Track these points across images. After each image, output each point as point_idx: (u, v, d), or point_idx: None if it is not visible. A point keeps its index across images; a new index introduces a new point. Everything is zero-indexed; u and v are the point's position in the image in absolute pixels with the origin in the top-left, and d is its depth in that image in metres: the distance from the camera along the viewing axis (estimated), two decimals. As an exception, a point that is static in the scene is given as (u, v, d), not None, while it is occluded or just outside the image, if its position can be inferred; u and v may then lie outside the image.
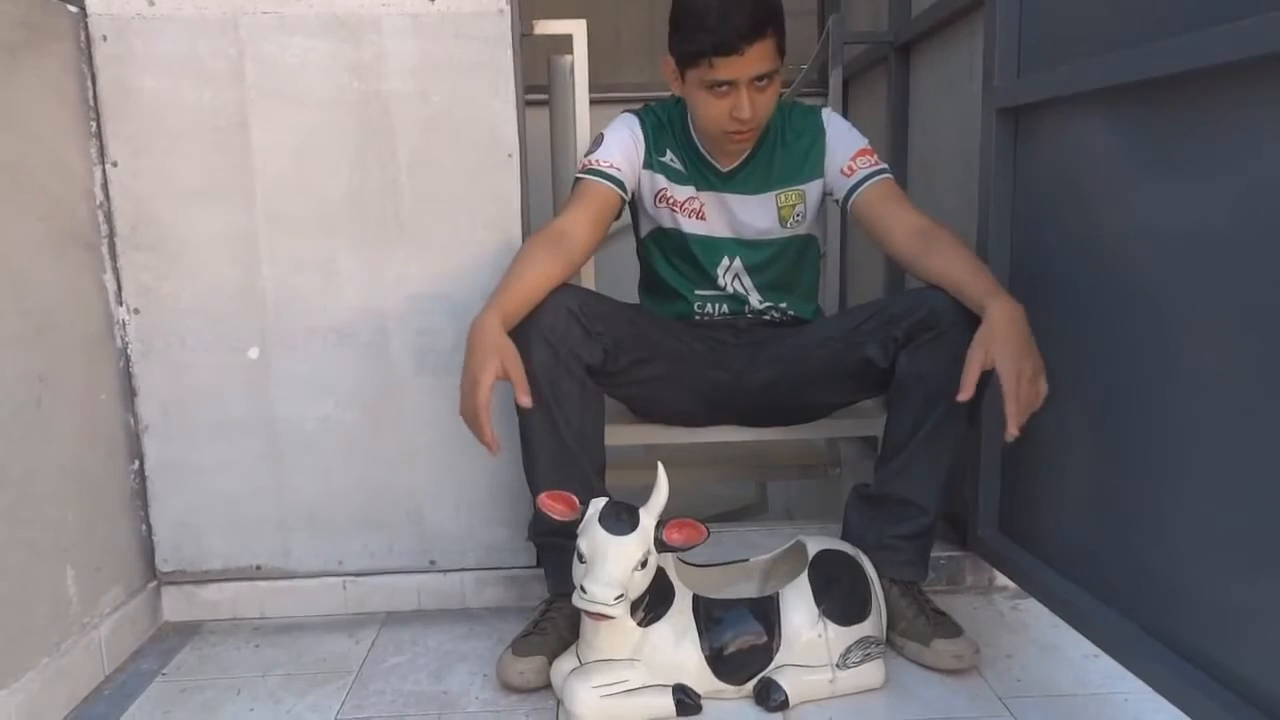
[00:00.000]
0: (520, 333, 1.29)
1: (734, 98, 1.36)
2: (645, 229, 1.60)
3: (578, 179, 1.47)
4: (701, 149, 1.50)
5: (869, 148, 1.50)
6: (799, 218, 1.54)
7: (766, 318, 1.59)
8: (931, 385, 1.31)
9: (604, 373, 1.37)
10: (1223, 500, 0.98)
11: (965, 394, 1.18)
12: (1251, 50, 0.87)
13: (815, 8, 3.12)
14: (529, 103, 1.51)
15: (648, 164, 1.51)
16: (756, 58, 1.33)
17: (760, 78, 1.35)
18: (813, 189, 1.53)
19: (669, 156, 1.51)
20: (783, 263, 1.57)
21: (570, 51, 1.72)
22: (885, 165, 1.49)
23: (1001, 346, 1.17)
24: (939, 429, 1.32)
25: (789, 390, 1.52)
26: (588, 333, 1.32)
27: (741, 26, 1.31)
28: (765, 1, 1.33)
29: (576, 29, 1.71)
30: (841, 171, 1.49)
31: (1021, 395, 1.15)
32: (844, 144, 1.50)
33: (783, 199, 1.52)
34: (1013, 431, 1.16)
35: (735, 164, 1.50)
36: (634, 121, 1.51)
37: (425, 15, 1.43)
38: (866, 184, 1.46)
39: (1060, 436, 1.30)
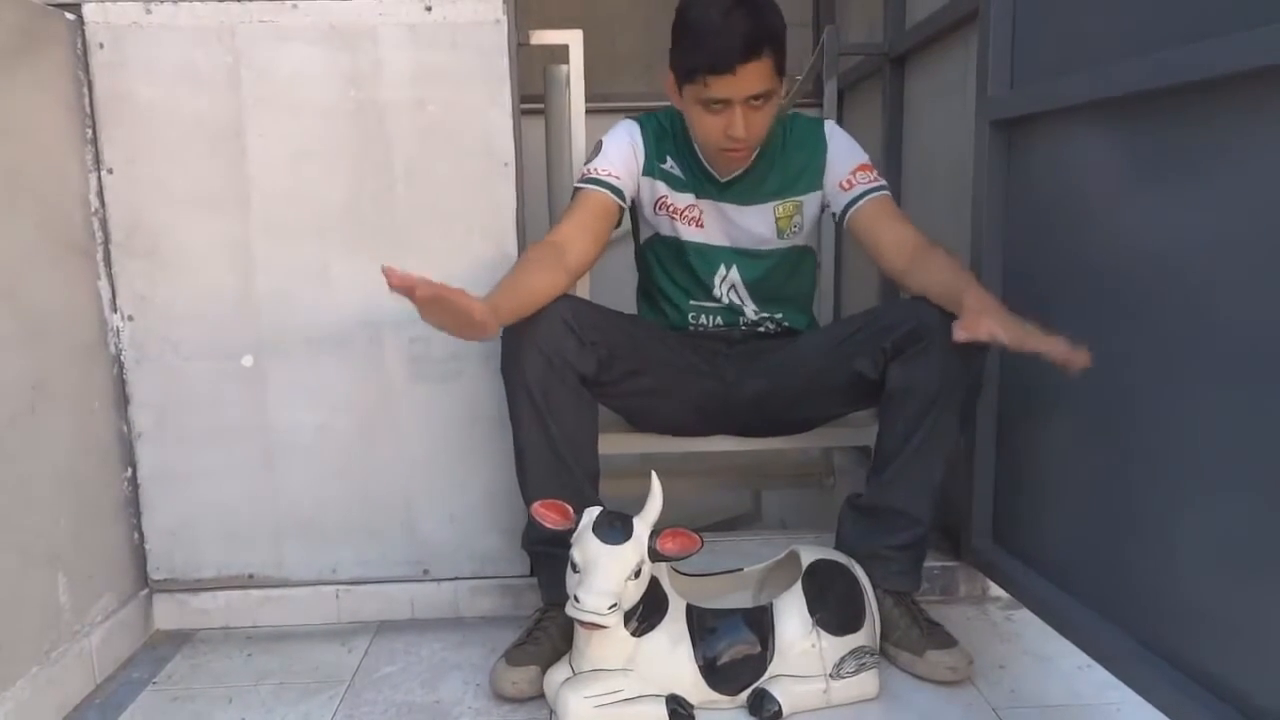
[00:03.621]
0: (515, 342, 1.29)
1: (729, 116, 1.36)
2: (644, 236, 1.60)
3: (577, 188, 1.47)
4: (701, 158, 1.51)
5: (869, 163, 1.50)
6: (796, 228, 1.54)
7: (761, 329, 1.59)
8: (922, 396, 1.31)
9: (598, 382, 1.37)
10: (1215, 511, 0.98)
11: (959, 335, 1.13)
12: (1243, 64, 0.88)
13: (810, 19, 3.13)
14: (525, 112, 1.51)
15: (648, 171, 1.51)
16: (751, 78, 1.32)
17: (756, 97, 1.35)
18: (811, 201, 1.53)
19: (669, 164, 1.52)
20: (779, 274, 1.57)
21: (566, 61, 1.73)
22: (884, 182, 1.49)
23: (988, 316, 1.12)
24: (930, 439, 1.33)
25: (781, 402, 1.52)
26: (582, 342, 1.32)
27: (736, 47, 1.30)
28: (763, 22, 1.32)
29: (573, 39, 1.71)
30: (840, 185, 1.49)
31: (1026, 335, 1.11)
32: (844, 158, 1.50)
33: (780, 209, 1.52)
34: (1075, 361, 1.09)
35: (733, 174, 1.50)
36: (634, 129, 1.52)
37: (422, 25, 1.44)
38: (864, 200, 1.47)
39: (1053, 448, 1.30)
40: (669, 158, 1.52)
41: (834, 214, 1.52)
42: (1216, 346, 0.97)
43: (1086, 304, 1.20)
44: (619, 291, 1.77)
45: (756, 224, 1.53)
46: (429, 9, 1.43)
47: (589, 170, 1.47)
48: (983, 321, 1.12)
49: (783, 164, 1.51)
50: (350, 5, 1.42)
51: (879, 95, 2.30)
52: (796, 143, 1.52)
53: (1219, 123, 0.95)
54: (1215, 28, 0.92)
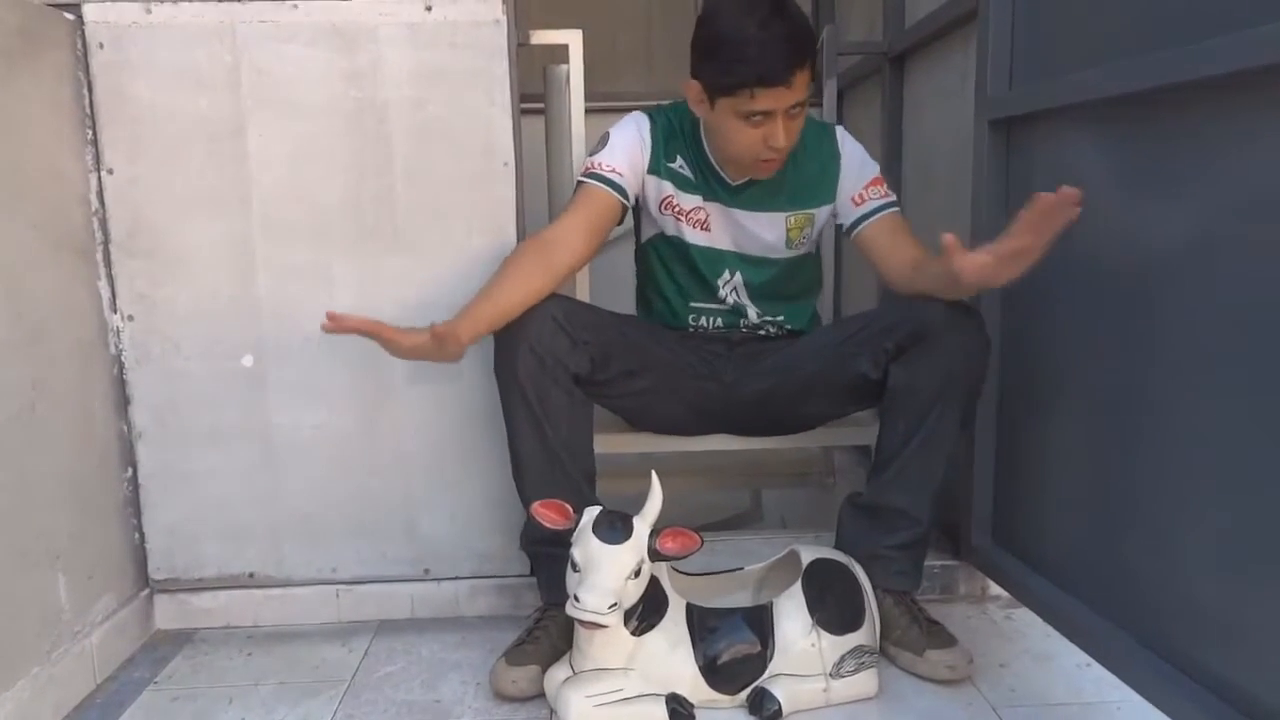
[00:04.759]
0: (507, 343, 1.29)
1: (769, 127, 1.34)
2: (647, 233, 1.58)
3: (580, 182, 1.46)
4: (712, 160, 1.48)
5: (880, 177, 1.50)
6: (805, 239, 1.53)
7: (762, 332, 1.59)
8: (923, 396, 1.31)
9: (592, 382, 1.37)
10: (1214, 509, 0.98)
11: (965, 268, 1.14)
12: (1241, 63, 0.88)
13: (810, 18, 3.13)
14: (525, 111, 1.51)
15: (654, 169, 1.49)
16: (799, 87, 1.32)
17: (796, 105, 1.34)
18: (823, 213, 1.52)
19: (679, 163, 1.49)
20: (784, 279, 1.56)
21: (566, 61, 1.73)
22: (894, 196, 1.49)
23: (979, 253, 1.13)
24: (931, 439, 1.33)
25: (782, 402, 1.52)
26: (574, 342, 1.32)
27: (786, 57, 1.28)
28: (802, 30, 1.31)
29: (573, 39, 1.71)
30: (852, 199, 1.48)
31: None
32: (858, 171, 1.49)
33: (793, 220, 1.51)
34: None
35: (744, 179, 1.48)
36: (645, 124, 1.49)
37: (422, 24, 1.44)
38: (876, 216, 1.46)
39: (1053, 446, 1.30)
40: (679, 156, 1.49)
41: (841, 225, 1.51)
42: (1215, 345, 0.97)
43: (1085, 303, 1.20)
44: (618, 290, 1.76)
45: (766, 231, 1.51)
46: (429, 9, 1.43)
47: (593, 164, 1.45)
48: (971, 254, 1.13)
49: (795, 172, 1.49)
50: (351, 5, 1.42)
51: (878, 94, 2.30)
52: (810, 151, 1.49)
53: (1218, 122, 0.95)
54: (1214, 27, 0.92)
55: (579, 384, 1.34)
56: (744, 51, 1.29)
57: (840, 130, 1.53)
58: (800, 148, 1.48)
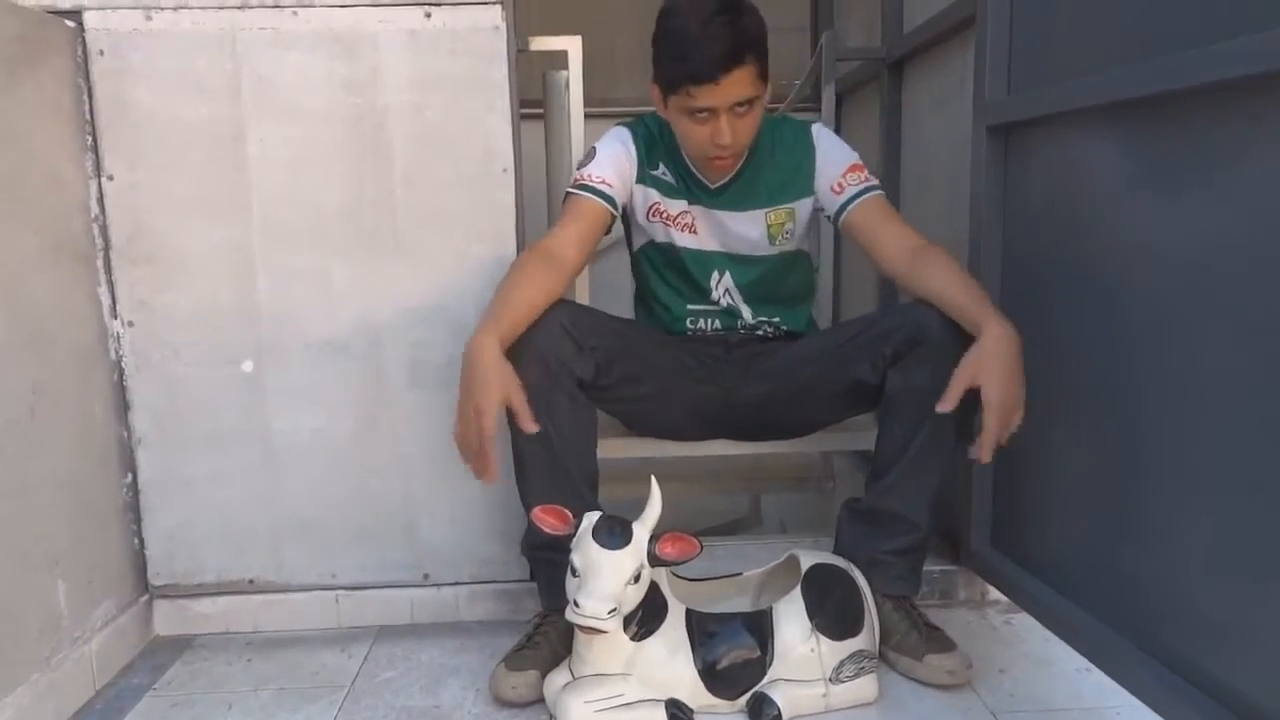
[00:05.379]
0: (513, 348, 1.29)
1: (714, 124, 1.36)
2: (638, 242, 1.60)
3: (569, 194, 1.47)
4: (690, 164, 1.51)
5: (859, 163, 1.50)
6: (788, 235, 1.54)
7: (759, 333, 1.59)
8: (920, 402, 1.31)
9: (595, 387, 1.37)
10: (1213, 515, 0.99)
11: (946, 405, 1.19)
12: (1241, 69, 0.88)
13: (809, 24, 3.14)
14: (524, 117, 1.51)
15: (640, 178, 1.51)
16: (734, 86, 1.33)
17: (741, 104, 1.35)
18: (803, 207, 1.53)
19: (661, 170, 1.52)
20: (773, 277, 1.57)
21: (565, 67, 1.73)
22: (876, 181, 1.49)
23: (990, 371, 1.17)
24: (929, 445, 1.33)
25: (780, 406, 1.52)
26: (579, 347, 1.32)
27: (717, 55, 1.30)
28: (744, 30, 1.32)
29: (572, 45, 1.72)
30: (832, 189, 1.49)
31: (1002, 424, 1.17)
32: (834, 161, 1.50)
33: (772, 217, 1.52)
34: (985, 459, 1.18)
35: (723, 180, 1.50)
36: (627, 135, 1.52)
37: (422, 31, 1.44)
38: (857, 201, 1.47)
39: (1052, 451, 1.31)
40: (661, 164, 1.52)
41: (828, 216, 1.52)
42: (1213, 350, 0.97)
43: (1084, 309, 1.20)
44: (616, 296, 1.77)
45: (749, 230, 1.53)
46: (429, 16, 1.44)
47: (582, 176, 1.47)
48: (981, 373, 1.18)
49: (772, 169, 1.51)
50: (350, 12, 1.43)
51: (877, 100, 2.31)
52: (785, 147, 1.52)
53: (1217, 127, 0.95)
54: (1211, 34, 0.93)
55: (582, 389, 1.35)
56: (683, 49, 1.32)
57: (816, 126, 1.55)
58: (777, 145, 1.52)
